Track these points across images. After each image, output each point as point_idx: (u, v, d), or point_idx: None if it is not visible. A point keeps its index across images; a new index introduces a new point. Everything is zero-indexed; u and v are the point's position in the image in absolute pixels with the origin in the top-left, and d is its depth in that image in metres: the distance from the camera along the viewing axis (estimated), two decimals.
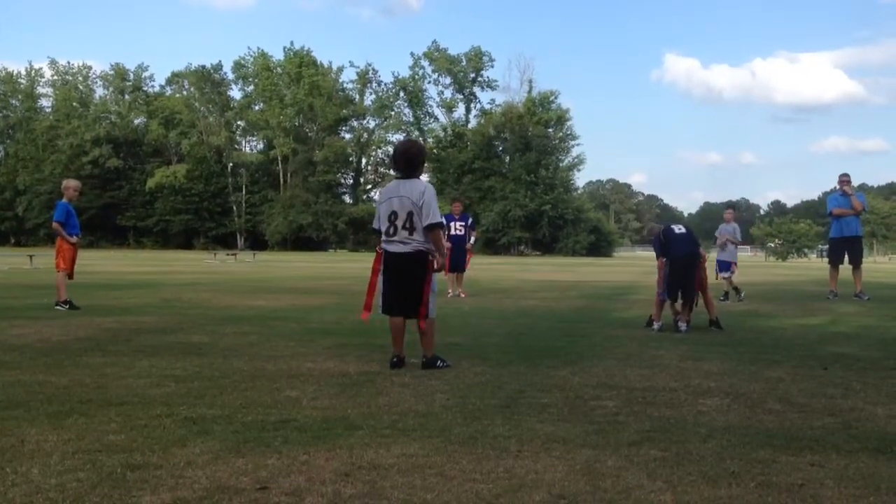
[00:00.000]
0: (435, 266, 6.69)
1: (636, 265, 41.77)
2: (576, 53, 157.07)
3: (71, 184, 12.57)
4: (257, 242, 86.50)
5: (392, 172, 8.03)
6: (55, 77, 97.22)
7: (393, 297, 6.71)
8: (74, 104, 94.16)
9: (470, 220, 16.38)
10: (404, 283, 6.63)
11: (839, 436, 4.34)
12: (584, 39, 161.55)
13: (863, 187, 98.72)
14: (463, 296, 14.79)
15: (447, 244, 13.18)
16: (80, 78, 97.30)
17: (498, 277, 21.51)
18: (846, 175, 15.11)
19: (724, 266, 15.15)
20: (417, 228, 6.56)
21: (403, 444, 4.07)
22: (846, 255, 15.05)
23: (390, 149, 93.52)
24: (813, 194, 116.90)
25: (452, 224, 15.56)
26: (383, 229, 6.73)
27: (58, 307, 11.57)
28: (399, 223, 6.59)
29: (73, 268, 12.15)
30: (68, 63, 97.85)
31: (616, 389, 5.68)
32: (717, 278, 14.69)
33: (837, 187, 15.44)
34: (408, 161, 6.78)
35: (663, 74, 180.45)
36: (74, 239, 12.18)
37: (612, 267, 41.04)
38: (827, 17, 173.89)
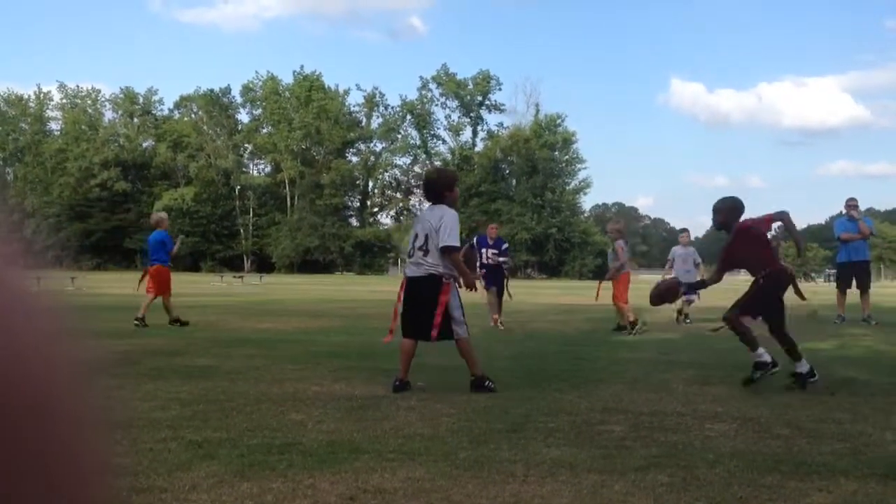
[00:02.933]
0: (460, 286, 6.88)
1: (642, 288, 41.53)
2: (582, 77, 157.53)
3: (164, 216, 14.24)
4: (264, 265, 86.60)
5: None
6: (64, 100, 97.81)
7: (405, 319, 6.85)
8: (83, 127, 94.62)
9: (504, 247, 14.89)
10: (415, 305, 6.78)
11: (847, 461, 4.31)
12: (590, 63, 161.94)
13: (870, 212, 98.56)
14: (501, 326, 13.52)
15: (481, 272, 13.26)
16: (89, 101, 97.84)
17: (504, 301, 21.49)
18: (853, 199, 15.09)
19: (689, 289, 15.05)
20: (432, 251, 6.69)
21: (409, 468, 4.06)
22: (854, 280, 15.00)
23: (397, 172, 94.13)
24: (820, 218, 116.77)
25: (484, 251, 14.30)
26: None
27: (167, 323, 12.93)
28: (417, 245, 6.79)
29: (166, 291, 13.27)
30: (77, 86, 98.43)
31: (623, 414, 5.65)
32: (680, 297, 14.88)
33: (844, 211, 15.41)
34: (427, 187, 7.13)
35: (669, 98, 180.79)
36: (157, 266, 13.36)
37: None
38: (832, 41, 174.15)
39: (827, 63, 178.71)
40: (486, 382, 6.61)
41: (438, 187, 7.01)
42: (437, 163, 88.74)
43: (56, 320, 0.51)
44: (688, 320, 14.82)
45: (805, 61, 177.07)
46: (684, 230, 16.77)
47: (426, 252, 6.71)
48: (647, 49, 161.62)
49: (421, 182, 7.29)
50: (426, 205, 7.37)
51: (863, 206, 15.93)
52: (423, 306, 6.68)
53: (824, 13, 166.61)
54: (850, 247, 14.88)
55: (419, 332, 6.72)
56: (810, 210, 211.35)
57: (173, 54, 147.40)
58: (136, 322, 12.81)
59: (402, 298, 6.97)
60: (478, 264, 13.25)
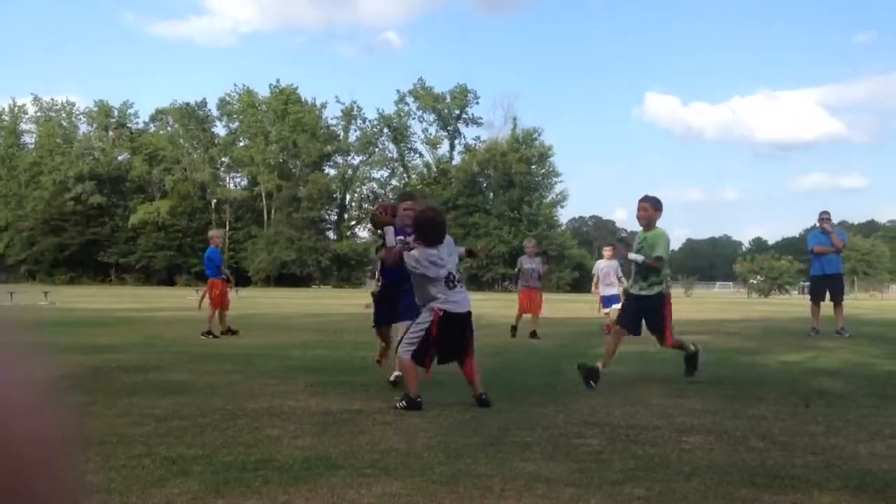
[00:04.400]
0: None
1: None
2: (558, 91, 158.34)
3: (214, 233, 15.46)
4: (241, 278, 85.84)
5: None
6: (38, 113, 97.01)
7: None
8: (58, 140, 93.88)
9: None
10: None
11: (821, 474, 4.34)
12: (566, 77, 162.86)
13: (843, 224, 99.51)
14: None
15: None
16: (64, 114, 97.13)
17: (481, 314, 21.50)
18: (826, 212, 15.24)
19: (608, 301, 15.77)
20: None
21: (385, 483, 4.04)
22: (827, 292, 15.12)
23: (375, 185, 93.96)
24: (794, 231, 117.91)
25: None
26: None
27: (214, 336, 13.62)
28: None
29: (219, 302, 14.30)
30: (52, 99, 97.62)
31: (600, 427, 5.66)
32: (599, 311, 16.16)
33: (818, 224, 15.56)
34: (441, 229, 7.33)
35: (644, 112, 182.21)
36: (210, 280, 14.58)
37: (596, 303, 41.02)
38: (805, 55, 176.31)
39: (800, 77, 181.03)
40: (400, 403, 6.46)
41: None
42: (414, 176, 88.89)
43: (9, 336, 0.51)
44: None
45: (778, 75, 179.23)
46: (610, 245, 17.19)
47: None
48: (623, 63, 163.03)
49: (426, 223, 7.03)
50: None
51: (836, 219, 16.08)
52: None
53: (796, 28, 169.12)
54: (824, 259, 15.01)
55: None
56: (784, 222, 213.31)
57: (149, 67, 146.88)
58: (203, 335, 13.61)
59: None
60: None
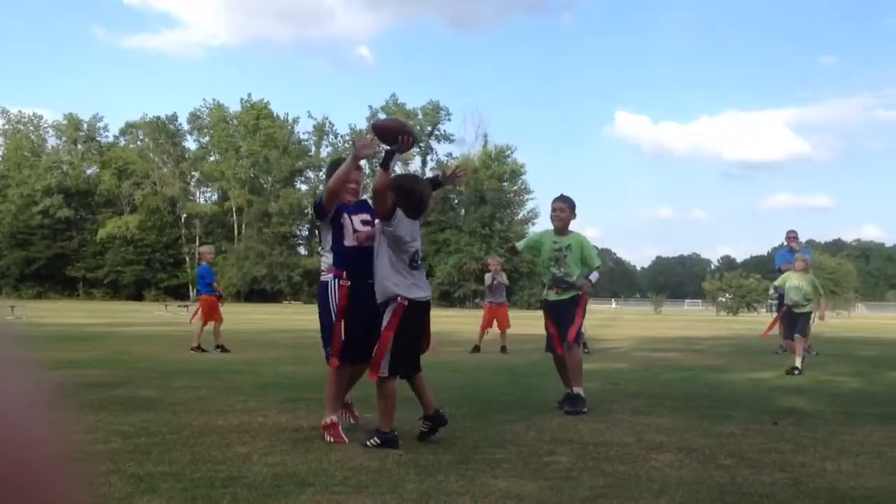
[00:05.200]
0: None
1: (590, 318, 41.85)
2: (530, 109, 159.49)
3: (204, 249, 16.28)
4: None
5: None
6: (6, 126, 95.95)
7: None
8: (25, 153, 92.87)
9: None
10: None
11: (789, 491, 4.37)
12: (537, 96, 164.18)
13: (810, 243, 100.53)
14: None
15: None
16: (32, 127, 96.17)
17: (452, 330, 21.50)
18: (793, 231, 15.47)
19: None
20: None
21: (356, 501, 4.02)
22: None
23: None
24: (762, 249, 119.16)
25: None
26: None
27: (211, 351, 13.81)
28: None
29: (209, 318, 14.39)
30: (20, 112, 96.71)
31: (570, 444, 5.67)
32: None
33: (785, 243, 15.76)
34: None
35: (614, 130, 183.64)
36: (203, 296, 14.78)
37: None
38: (772, 76, 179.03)
39: (767, 97, 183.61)
40: (372, 441, 5.55)
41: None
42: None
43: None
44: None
45: (745, 96, 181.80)
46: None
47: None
48: (593, 82, 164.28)
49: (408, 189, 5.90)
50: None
51: (803, 238, 16.30)
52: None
53: (763, 49, 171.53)
54: None
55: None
56: (752, 241, 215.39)
57: (119, 81, 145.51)
58: (192, 349, 13.86)
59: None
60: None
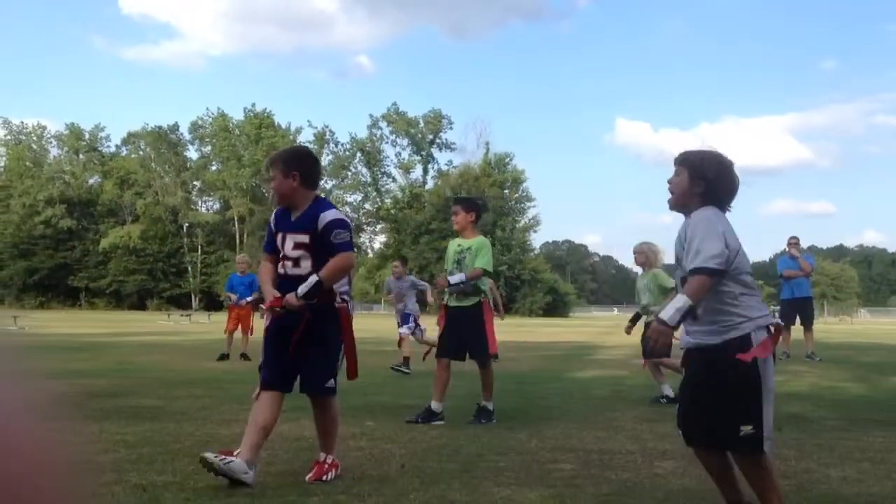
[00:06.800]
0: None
1: (593, 325, 41.88)
2: (531, 116, 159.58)
3: (238, 257, 16.29)
4: (213, 303, 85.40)
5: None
6: (8, 136, 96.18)
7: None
8: (28, 164, 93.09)
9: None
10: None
11: (793, 498, 4.37)
12: (538, 103, 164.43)
13: (812, 249, 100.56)
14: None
15: None
16: (34, 137, 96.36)
17: None
18: (795, 237, 15.46)
19: (406, 319, 12.76)
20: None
21: None
22: (797, 316, 15.28)
23: (348, 209, 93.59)
24: (764, 256, 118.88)
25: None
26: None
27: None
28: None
29: (244, 326, 14.51)
30: (22, 122, 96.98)
31: (573, 452, 5.67)
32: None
33: (787, 249, 15.76)
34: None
35: (615, 138, 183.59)
36: (243, 302, 14.49)
37: (569, 327, 41.16)
38: (772, 82, 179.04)
39: (767, 103, 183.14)
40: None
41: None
42: (388, 200, 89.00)
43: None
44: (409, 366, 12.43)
45: (745, 102, 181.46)
46: (397, 260, 14.40)
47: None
48: (594, 89, 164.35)
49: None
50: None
51: (805, 244, 16.32)
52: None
53: (763, 55, 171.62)
54: (793, 284, 15.19)
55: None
56: (754, 247, 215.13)
57: (120, 91, 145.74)
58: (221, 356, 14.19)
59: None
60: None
